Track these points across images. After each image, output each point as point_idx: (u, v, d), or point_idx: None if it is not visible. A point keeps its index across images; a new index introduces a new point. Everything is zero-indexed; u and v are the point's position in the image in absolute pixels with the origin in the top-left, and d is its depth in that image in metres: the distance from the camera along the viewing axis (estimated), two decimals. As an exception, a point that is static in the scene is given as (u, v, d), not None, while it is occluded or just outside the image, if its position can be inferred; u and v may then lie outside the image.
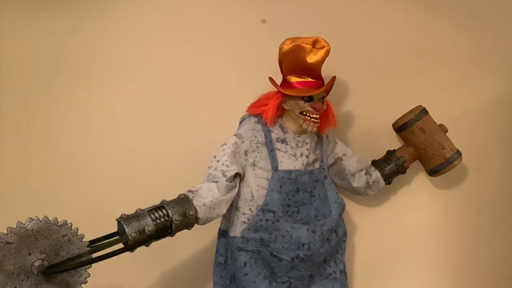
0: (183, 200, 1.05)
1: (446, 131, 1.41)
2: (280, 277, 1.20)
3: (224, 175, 1.13)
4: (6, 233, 0.86)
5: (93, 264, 0.93)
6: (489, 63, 1.49)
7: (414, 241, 1.50)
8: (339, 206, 1.27)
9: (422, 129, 1.37)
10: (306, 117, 1.19)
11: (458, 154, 1.38)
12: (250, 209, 1.18)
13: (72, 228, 0.93)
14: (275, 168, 1.19)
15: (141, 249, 1.05)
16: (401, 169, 1.40)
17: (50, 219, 0.90)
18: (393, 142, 1.48)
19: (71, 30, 1.35)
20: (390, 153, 1.42)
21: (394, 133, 1.44)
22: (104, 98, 1.35)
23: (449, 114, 1.42)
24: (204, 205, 1.06)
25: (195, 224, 1.07)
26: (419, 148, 1.39)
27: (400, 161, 1.39)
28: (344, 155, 1.36)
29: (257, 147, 1.20)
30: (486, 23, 1.49)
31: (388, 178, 1.40)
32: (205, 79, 1.39)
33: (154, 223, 0.98)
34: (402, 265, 1.50)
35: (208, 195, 1.08)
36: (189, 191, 1.09)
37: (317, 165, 1.26)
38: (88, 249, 0.93)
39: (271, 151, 1.19)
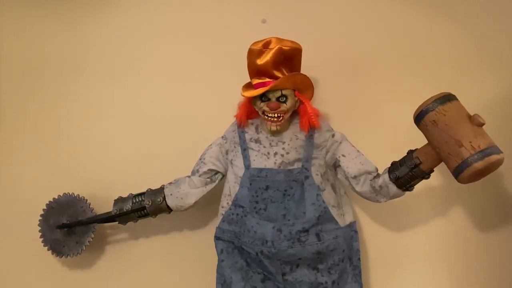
0: (159, 190, 1.33)
1: (478, 124, 1.05)
2: (255, 267, 1.26)
3: (197, 171, 1.31)
4: (52, 200, 1.39)
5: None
6: (490, 63, 1.41)
7: (415, 241, 1.40)
8: (316, 209, 1.20)
9: (434, 122, 1.09)
10: (265, 116, 1.22)
11: (484, 153, 1.01)
12: (227, 203, 1.29)
13: (87, 202, 1.38)
14: (247, 166, 1.26)
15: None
16: (417, 173, 1.14)
17: (75, 195, 1.38)
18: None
19: (70, 29, 1.45)
20: (408, 153, 1.18)
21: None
22: (103, 96, 1.47)
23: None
24: (171, 194, 1.30)
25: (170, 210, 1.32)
26: (434, 146, 1.10)
27: (413, 162, 1.14)
28: (344, 155, 1.25)
29: (234, 147, 1.30)
30: (487, 22, 1.42)
31: (404, 184, 1.17)
32: (204, 79, 1.47)
33: (132, 205, 1.31)
34: (402, 266, 1.41)
35: (178, 187, 1.30)
36: (169, 183, 1.34)
37: (298, 165, 1.24)
38: (92, 216, 1.36)
39: (244, 151, 1.28)
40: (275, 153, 1.25)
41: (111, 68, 1.50)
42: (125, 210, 1.30)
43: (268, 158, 1.25)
